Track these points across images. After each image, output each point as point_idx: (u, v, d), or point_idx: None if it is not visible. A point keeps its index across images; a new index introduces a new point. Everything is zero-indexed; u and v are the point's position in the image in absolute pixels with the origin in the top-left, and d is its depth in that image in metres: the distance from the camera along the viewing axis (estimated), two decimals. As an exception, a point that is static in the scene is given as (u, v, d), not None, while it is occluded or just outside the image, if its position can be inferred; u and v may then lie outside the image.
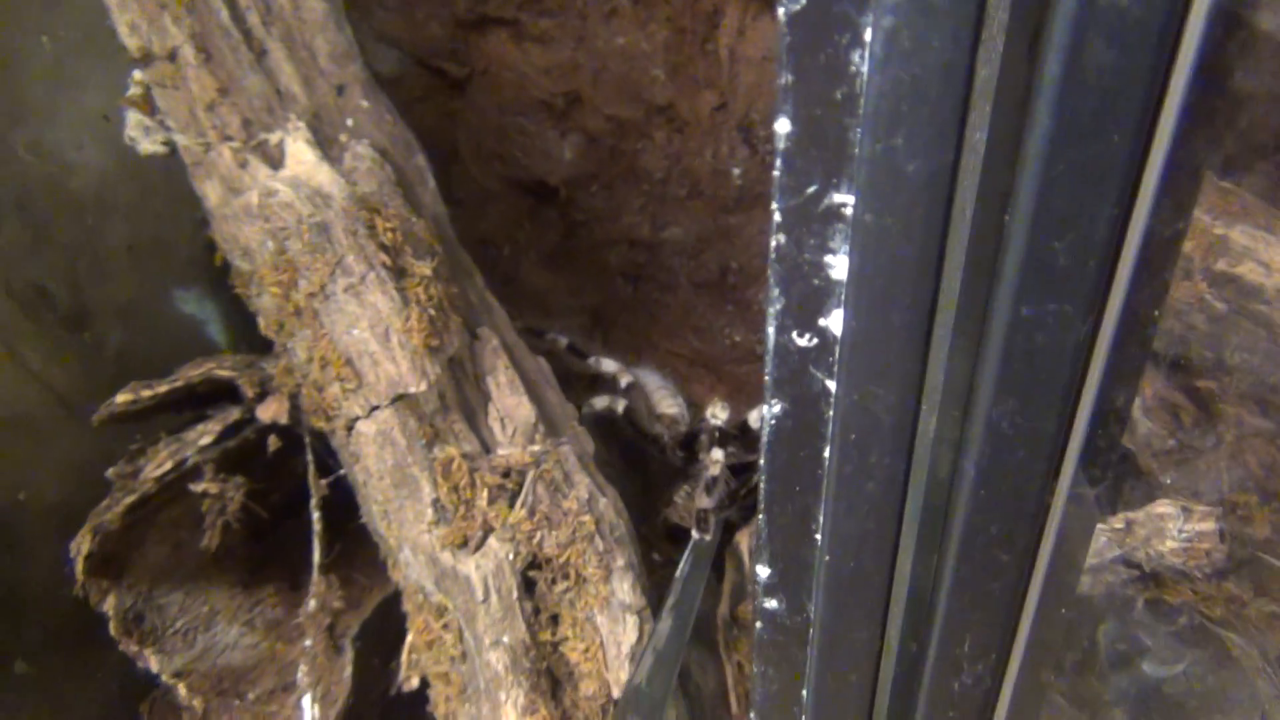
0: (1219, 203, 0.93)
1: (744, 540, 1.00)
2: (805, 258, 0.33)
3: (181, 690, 1.03)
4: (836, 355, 0.35)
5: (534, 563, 0.86)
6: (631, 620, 0.86)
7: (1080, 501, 0.36)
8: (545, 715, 0.82)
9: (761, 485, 0.40)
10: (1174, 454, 0.95)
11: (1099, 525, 0.83)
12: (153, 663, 1.02)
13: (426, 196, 0.92)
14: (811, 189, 0.32)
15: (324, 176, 0.85)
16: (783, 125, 0.31)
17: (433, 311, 0.83)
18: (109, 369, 1.07)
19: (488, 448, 0.89)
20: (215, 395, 1.02)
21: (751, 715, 0.52)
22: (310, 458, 0.97)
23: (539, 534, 0.86)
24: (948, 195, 0.29)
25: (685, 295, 1.25)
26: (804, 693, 0.45)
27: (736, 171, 1.15)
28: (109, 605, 0.99)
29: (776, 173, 0.32)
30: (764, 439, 0.38)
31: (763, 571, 0.42)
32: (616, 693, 0.85)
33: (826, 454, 0.37)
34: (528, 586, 0.87)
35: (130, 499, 0.93)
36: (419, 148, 0.93)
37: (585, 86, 1.14)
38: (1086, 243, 0.28)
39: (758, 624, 0.45)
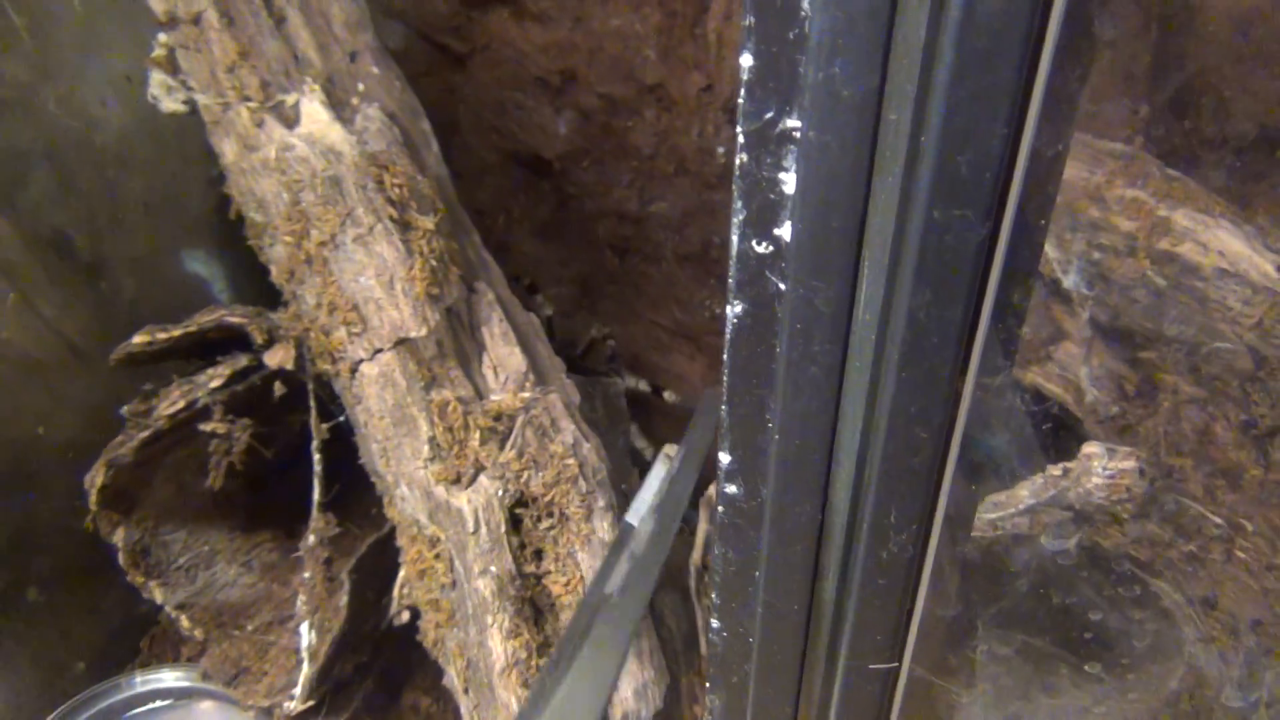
0: (1164, 188, 1.00)
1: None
2: (763, 175, 0.40)
3: (184, 621, 1.09)
4: (786, 258, 0.42)
5: (521, 500, 0.93)
6: (610, 557, 0.93)
7: (986, 387, 0.43)
8: (528, 638, 0.89)
9: (724, 380, 0.47)
10: (1117, 420, 1.02)
11: (1041, 474, 0.91)
12: (157, 594, 1.08)
13: (430, 159, 0.98)
14: (768, 115, 0.39)
15: (336, 135, 0.91)
16: (746, 60, 0.38)
17: (434, 262, 0.90)
18: (122, 319, 1.13)
19: (481, 393, 0.96)
20: (224, 345, 1.08)
21: (713, 595, 0.59)
22: (313, 403, 1.03)
23: (526, 474, 0.93)
24: (875, 115, 0.36)
25: (669, 268, 1.32)
26: (757, 572, 0.52)
27: (721, 150, 1.22)
28: (119, 537, 1.05)
29: (741, 100, 0.39)
30: (726, 338, 0.45)
31: (724, 458, 0.49)
32: (594, 622, 0.92)
33: (778, 347, 0.44)
34: (514, 522, 0.93)
35: (144, 434, 1.00)
36: (424, 113, 1.00)
37: (581, 65, 1.21)
38: (984, 158, 0.36)
39: (719, 508, 0.52)
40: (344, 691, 1.04)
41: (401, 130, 0.95)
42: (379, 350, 0.91)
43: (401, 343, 0.90)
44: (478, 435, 0.93)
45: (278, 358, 1.01)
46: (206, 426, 1.02)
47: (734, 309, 0.44)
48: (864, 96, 0.36)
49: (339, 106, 0.95)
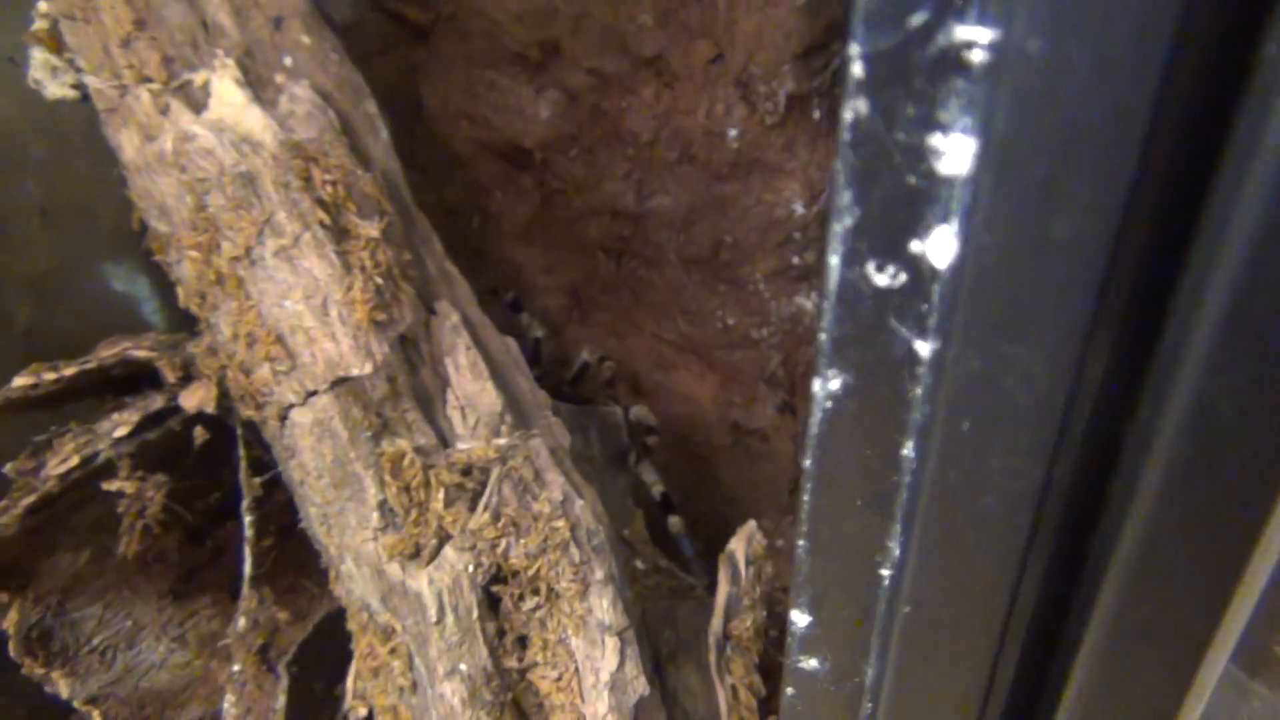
0: None
1: (739, 547, 0.88)
2: (899, 139, 0.21)
3: (95, 717, 0.90)
4: (936, 300, 0.22)
5: (498, 575, 0.74)
6: (611, 642, 0.74)
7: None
8: (510, 757, 0.70)
9: (805, 497, 0.27)
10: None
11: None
12: (62, 687, 0.89)
13: (377, 149, 0.79)
14: (918, 16, 0.19)
15: (254, 121, 0.72)
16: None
17: (379, 280, 0.71)
18: (16, 349, 0.94)
19: (446, 441, 0.77)
20: (139, 379, 0.89)
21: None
22: (242, 452, 0.84)
23: (504, 542, 0.73)
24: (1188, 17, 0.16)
25: (673, 273, 1.13)
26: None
27: (733, 133, 1.02)
28: (9, 622, 0.86)
29: (859, -7, 0.19)
30: (813, 427, 0.26)
31: (800, 619, 0.30)
32: (594, 728, 0.73)
33: (909, 452, 0.25)
34: (491, 603, 0.74)
35: (30, 499, 0.81)
36: (369, 93, 0.80)
37: (564, 35, 1.02)
38: None
39: (788, 688, 0.33)
40: (287, 810, 0.85)
41: (338, 113, 0.76)
42: (313, 393, 0.71)
43: (341, 383, 0.71)
44: (442, 495, 0.74)
45: (195, 399, 0.82)
46: (110, 486, 0.82)
47: (827, 383, 0.25)
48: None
49: (259, 85, 0.76)
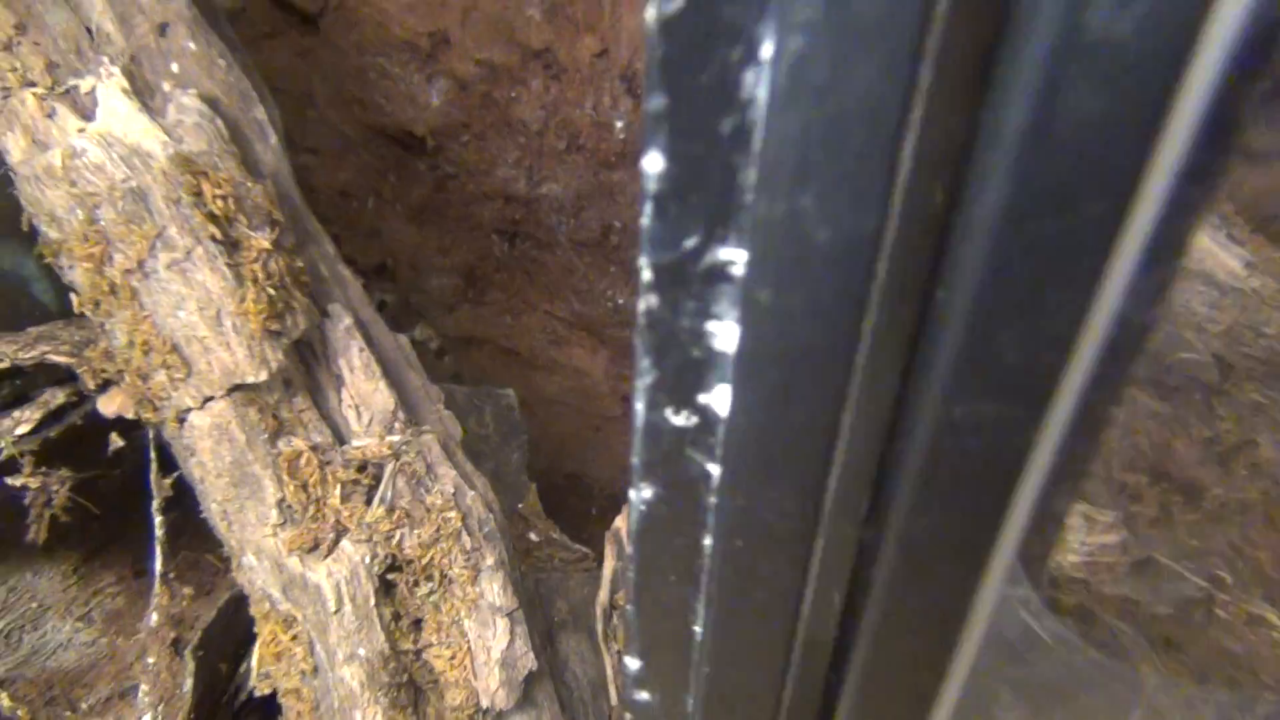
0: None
1: (623, 524, 0.94)
2: (682, 324, 0.26)
3: (4, 700, 0.92)
4: (721, 437, 0.28)
5: (394, 564, 0.79)
6: (502, 623, 0.80)
7: (1007, 613, 0.30)
8: (407, 733, 0.76)
9: (631, 574, 0.33)
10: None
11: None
12: (-33, 672, 0.91)
13: (267, 154, 0.81)
14: (690, 242, 0.24)
15: (143, 132, 0.74)
16: (654, 162, 0.23)
17: (272, 290, 0.74)
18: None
19: (341, 438, 0.81)
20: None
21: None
22: (154, 454, 0.86)
23: (399, 533, 0.78)
24: (867, 272, 0.22)
25: (565, 255, 1.17)
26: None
27: (619, 124, 1.06)
28: (-89, 611, 0.88)
29: (646, 220, 0.24)
30: (633, 525, 0.31)
31: (633, 664, 0.35)
32: (486, 702, 0.79)
33: (706, 549, 0.30)
34: (387, 589, 0.79)
35: (-72, 495, 0.82)
36: (258, 98, 0.82)
37: (453, 26, 1.04)
38: (1039, 334, 0.22)
39: (626, 714, 0.39)
40: (196, 783, 0.89)
41: (227, 121, 0.78)
42: (210, 398, 0.74)
43: (237, 389, 0.74)
44: (338, 491, 0.78)
45: (115, 405, 0.83)
46: (15, 482, 0.84)
47: (642, 493, 0.30)
48: (851, 242, 0.21)
49: (146, 93, 0.77)
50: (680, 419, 0.28)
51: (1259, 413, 0.86)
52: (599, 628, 0.93)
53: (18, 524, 0.90)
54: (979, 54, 0.19)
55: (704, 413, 0.28)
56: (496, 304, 1.24)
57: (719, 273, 0.25)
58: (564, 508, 1.26)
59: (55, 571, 1.04)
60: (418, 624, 0.80)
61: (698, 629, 0.33)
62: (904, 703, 0.31)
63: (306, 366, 0.80)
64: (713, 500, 0.29)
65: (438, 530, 0.79)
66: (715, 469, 0.29)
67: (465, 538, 0.79)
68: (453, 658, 0.79)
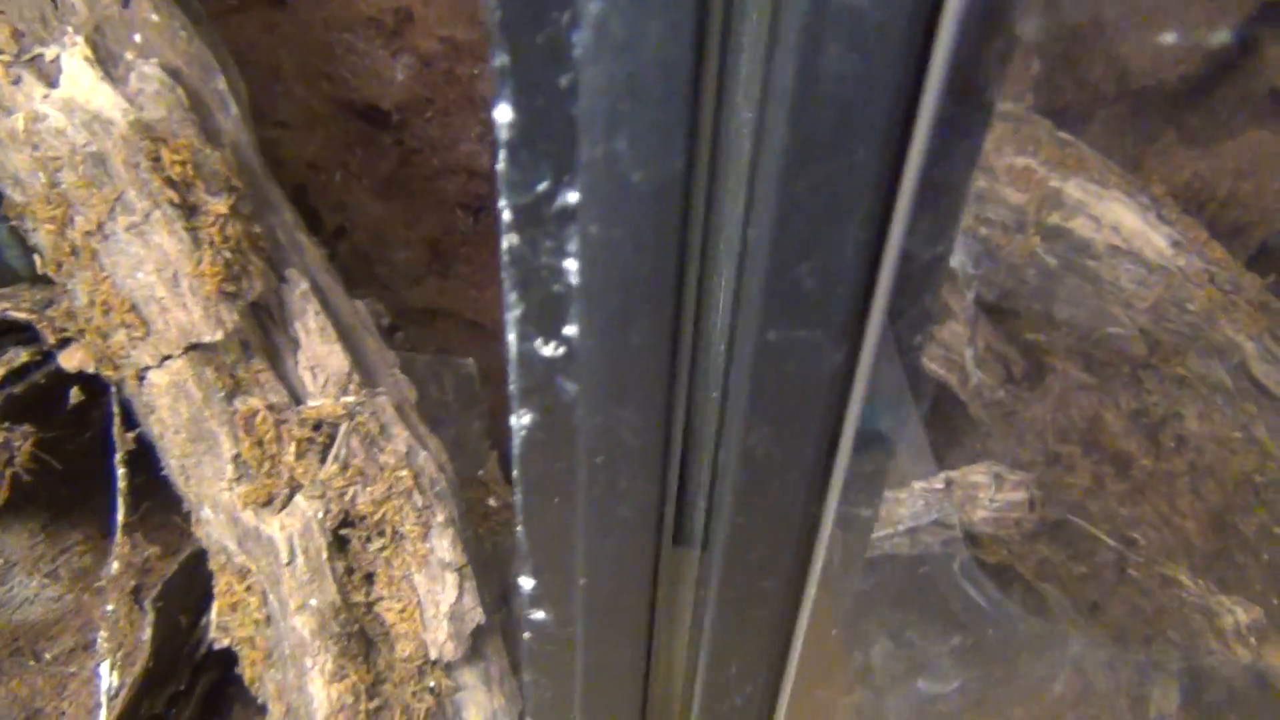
0: (1056, 155, 0.92)
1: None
2: (542, 261, 0.29)
3: (-30, 651, 0.96)
4: (584, 363, 0.31)
5: (347, 520, 0.82)
6: (451, 578, 0.83)
7: (850, 523, 0.34)
8: (355, 680, 0.79)
9: (517, 496, 0.36)
10: (1003, 405, 0.95)
11: (919, 485, 0.83)
12: (-65, 623, 0.94)
13: (227, 124, 0.84)
14: (541, 186, 0.27)
15: (104, 99, 0.76)
16: (504, 113, 0.26)
17: (229, 254, 0.76)
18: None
19: (297, 399, 0.84)
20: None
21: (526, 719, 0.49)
22: (117, 409, 0.89)
23: (352, 490, 0.81)
24: (681, 208, 0.25)
25: (527, 229, 1.19)
26: (574, 711, 0.42)
27: (579, 101, 1.09)
28: (-122, 564, 0.91)
29: (501, 165, 0.27)
30: (515, 449, 0.35)
31: (526, 583, 0.39)
32: (434, 654, 0.82)
33: (578, 472, 0.33)
34: (340, 545, 0.82)
35: (-106, 450, 0.85)
36: (219, 68, 0.84)
37: (417, 3, 1.06)
38: (835, 266, 0.25)
39: (526, 634, 0.42)
40: (156, 731, 0.92)
41: (188, 90, 0.80)
42: (168, 357, 0.77)
43: (194, 348, 0.77)
44: (293, 448, 0.81)
45: (75, 360, 0.86)
46: (-24, 437, 0.87)
47: (520, 419, 0.33)
48: (663, 183, 0.25)
49: (109, 63, 0.79)
50: (549, 349, 0.31)
51: (1184, 386, 0.90)
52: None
53: (-16, 482, 0.93)
54: (757, 16, 0.22)
55: (569, 343, 0.31)
56: (462, 277, 1.27)
57: (569, 214, 0.28)
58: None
59: (23, 529, 1.06)
60: (369, 578, 0.84)
61: (577, 554, 0.36)
62: (759, 611, 0.34)
63: (264, 329, 0.83)
64: (579, 419, 0.32)
65: (390, 488, 0.82)
66: (580, 392, 0.32)
67: (416, 495, 0.82)
68: (403, 610, 0.83)
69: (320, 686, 0.78)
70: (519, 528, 0.37)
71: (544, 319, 0.30)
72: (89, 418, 1.00)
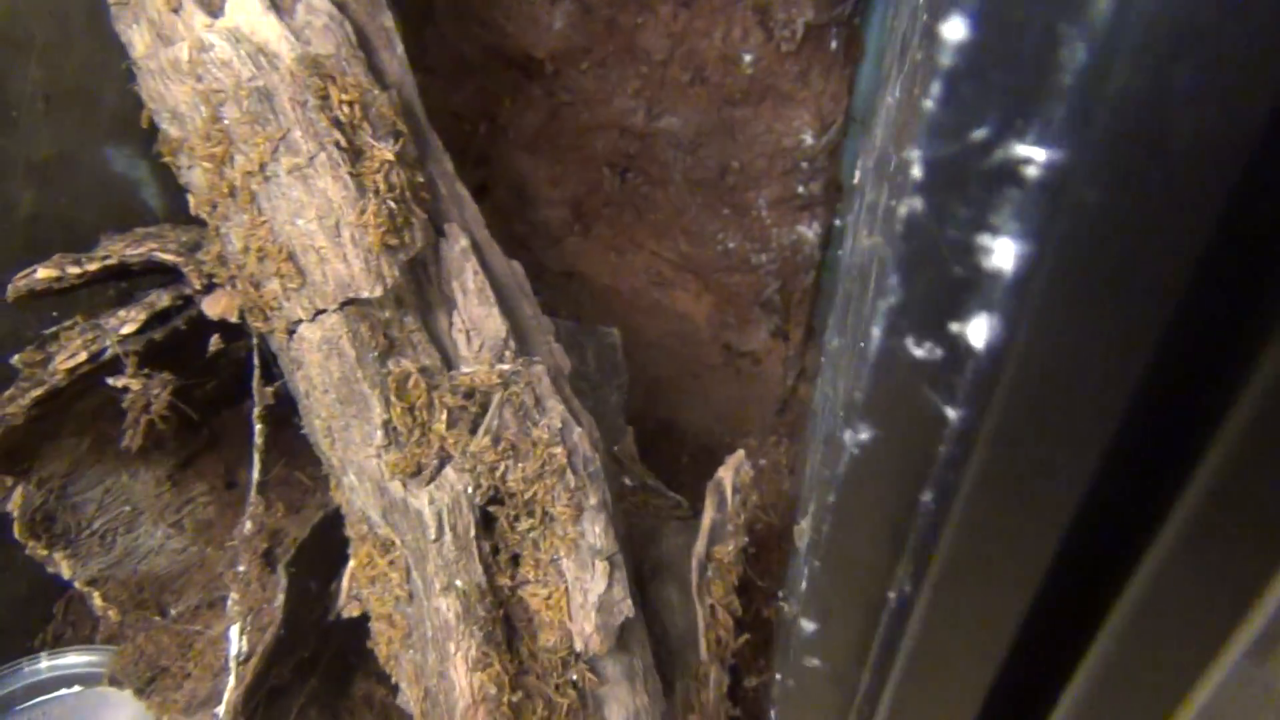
0: None
1: (727, 476, 0.91)
2: (949, 233, 0.22)
3: (97, 599, 0.93)
4: (969, 377, 0.24)
5: (495, 497, 0.76)
6: (601, 566, 0.77)
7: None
8: (498, 670, 0.74)
9: (824, 527, 0.29)
10: None
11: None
12: (64, 568, 0.92)
13: (393, 64, 0.78)
14: (978, 133, 0.20)
15: (271, 32, 0.71)
16: (954, 29, 0.19)
17: (393, 204, 0.71)
18: (18, 234, 0.94)
19: (450, 363, 0.78)
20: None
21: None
22: (257, 361, 0.85)
23: (503, 465, 0.75)
24: (1237, 174, 0.17)
25: (678, 193, 1.12)
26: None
27: (748, 58, 1.01)
28: (14, 504, 0.88)
29: (930, 102, 0.20)
30: (839, 470, 0.28)
31: (808, 626, 0.32)
32: (579, 645, 0.77)
33: (928, 499, 0.26)
34: (486, 521, 0.77)
35: (37, 392, 0.81)
36: (386, 4, 0.79)
37: (583, -55, 0.99)
38: None
39: (788, 680, 0.35)
40: (282, 699, 0.89)
41: (355, 26, 0.75)
42: (322, 311, 0.72)
43: (350, 303, 0.72)
44: (444, 416, 0.75)
45: (220, 307, 0.81)
46: (117, 383, 0.84)
47: (858, 434, 0.26)
48: (1239, 127, 0.17)
49: (275, -8, 0.74)
50: (922, 351, 0.24)
51: None
52: (693, 579, 0.90)
53: (119, 427, 0.90)
54: None
55: (953, 345, 0.24)
56: (602, 240, 1.21)
57: (1008, 173, 0.20)
58: (655, 454, 1.23)
59: (150, 476, 1.04)
60: (515, 560, 0.78)
61: (893, 595, 0.29)
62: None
63: (419, 287, 0.77)
64: (943, 450, 0.25)
65: (542, 465, 0.76)
66: (954, 414, 0.25)
67: (569, 475, 0.76)
68: (549, 597, 0.77)
69: (463, 674, 0.73)
70: (816, 563, 0.30)
71: (927, 310, 0.23)
72: (216, 364, 0.96)
